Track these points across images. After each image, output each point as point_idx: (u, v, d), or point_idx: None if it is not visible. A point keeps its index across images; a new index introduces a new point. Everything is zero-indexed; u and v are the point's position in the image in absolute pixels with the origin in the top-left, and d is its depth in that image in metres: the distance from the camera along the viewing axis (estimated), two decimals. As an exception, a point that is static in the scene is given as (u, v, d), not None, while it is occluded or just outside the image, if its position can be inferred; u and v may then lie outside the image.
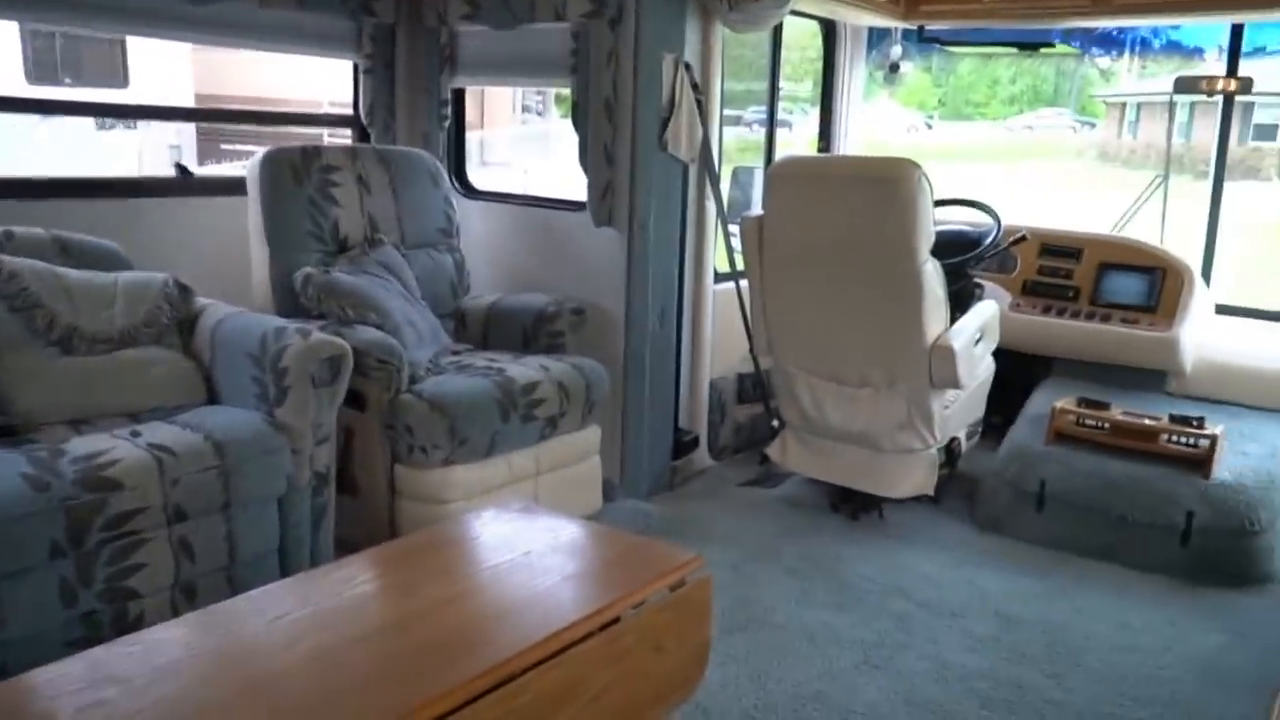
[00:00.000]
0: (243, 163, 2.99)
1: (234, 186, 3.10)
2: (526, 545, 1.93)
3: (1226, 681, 2.47)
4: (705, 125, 3.38)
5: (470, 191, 3.79)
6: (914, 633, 2.65)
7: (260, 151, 2.95)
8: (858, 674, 2.45)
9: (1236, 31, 3.79)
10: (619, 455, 3.36)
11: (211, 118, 4.59)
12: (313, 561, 2.42)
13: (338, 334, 2.58)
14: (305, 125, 3.63)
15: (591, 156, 3.19)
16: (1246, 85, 3.76)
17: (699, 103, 3.32)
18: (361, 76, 3.51)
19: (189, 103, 7.33)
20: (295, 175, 2.99)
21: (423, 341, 2.95)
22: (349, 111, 3.65)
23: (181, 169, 3.17)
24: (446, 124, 3.62)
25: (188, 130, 8.08)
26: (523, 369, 2.91)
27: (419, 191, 3.31)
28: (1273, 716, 0.85)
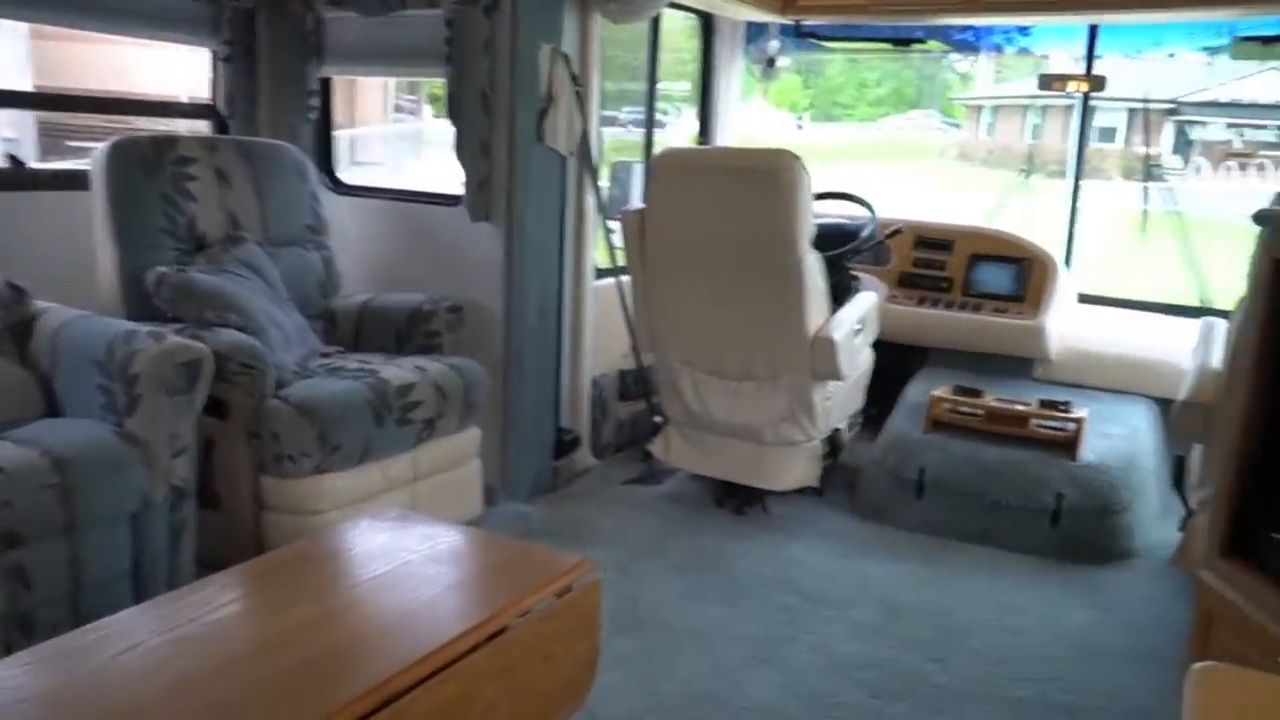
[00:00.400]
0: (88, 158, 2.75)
1: (77, 180, 2.84)
2: (404, 555, 1.83)
3: (1098, 654, 2.56)
4: (584, 117, 3.31)
5: (340, 186, 3.62)
6: (801, 625, 2.65)
7: (105, 142, 2.73)
8: (747, 670, 2.43)
9: (1093, 33, 3.96)
10: (500, 458, 3.26)
11: (46, 105, 4.20)
12: (170, 584, 2.24)
13: (196, 337, 2.40)
14: (157, 116, 3.37)
15: (467, 149, 3.08)
16: (1100, 83, 3.93)
17: (578, 94, 3.25)
18: (220, 65, 3.30)
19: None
20: (146, 168, 2.77)
21: (289, 344, 2.78)
22: (208, 102, 3.43)
23: (14, 160, 2.90)
24: (313, 116, 3.44)
25: (27, 123, 7.49)
26: (397, 370, 2.78)
27: (284, 186, 3.13)
28: (1185, 691, 0.84)
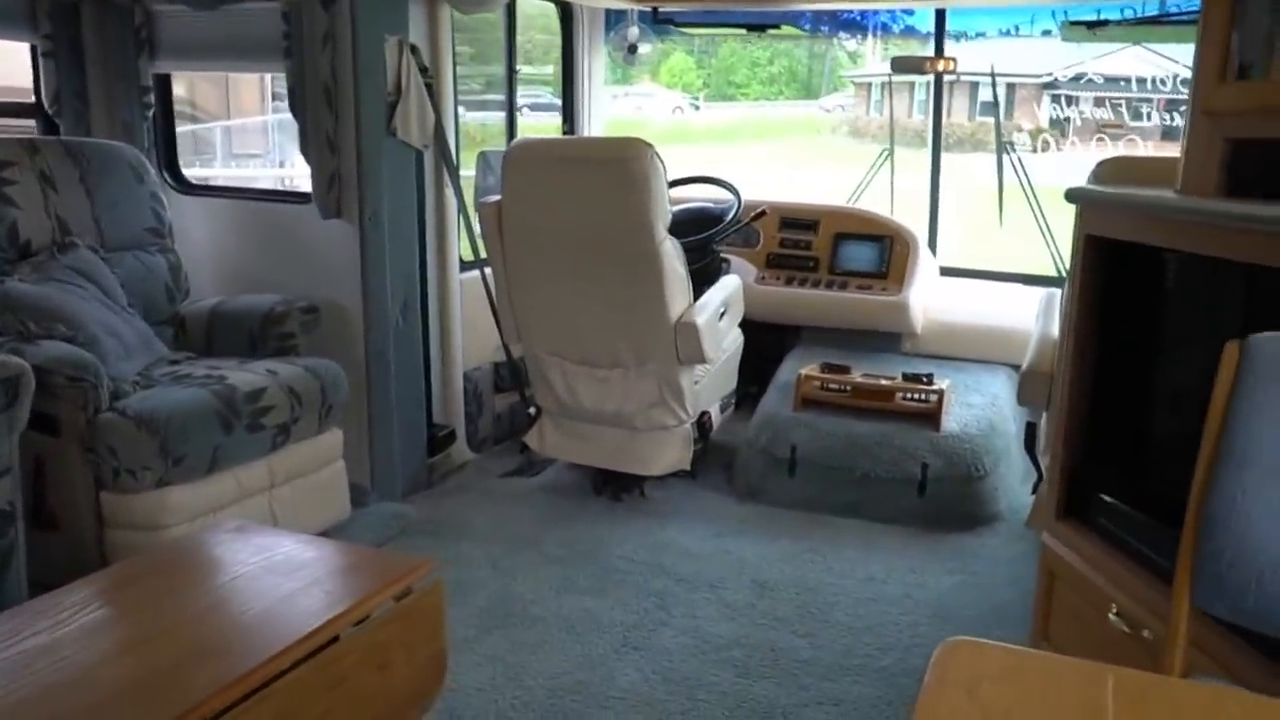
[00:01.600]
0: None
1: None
2: (236, 569, 1.78)
3: (957, 618, 2.64)
4: (438, 109, 3.25)
5: (185, 186, 3.48)
6: (673, 609, 2.67)
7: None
8: (617, 658, 2.44)
9: (940, 17, 4.06)
10: (369, 458, 3.20)
11: None
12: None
13: (16, 351, 2.28)
14: (-26, 117, 3.19)
15: (313, 145, 2.99)
16: (951, 65, 4.03)
17: (429, 86, 3.19)
18: (41, 60, 3.13)
19: None
20: (-43, 175, 2.62)
21: (129, 353, 2.67)
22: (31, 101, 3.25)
23: None
24: (151, 113, 3.29)
25: None
26: (247, 375, 2.69)
27: (118, 188, 2.99)
28: (930, 663, 0.87)
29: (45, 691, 1.37)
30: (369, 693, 1.67)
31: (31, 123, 3.27)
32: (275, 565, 1.80)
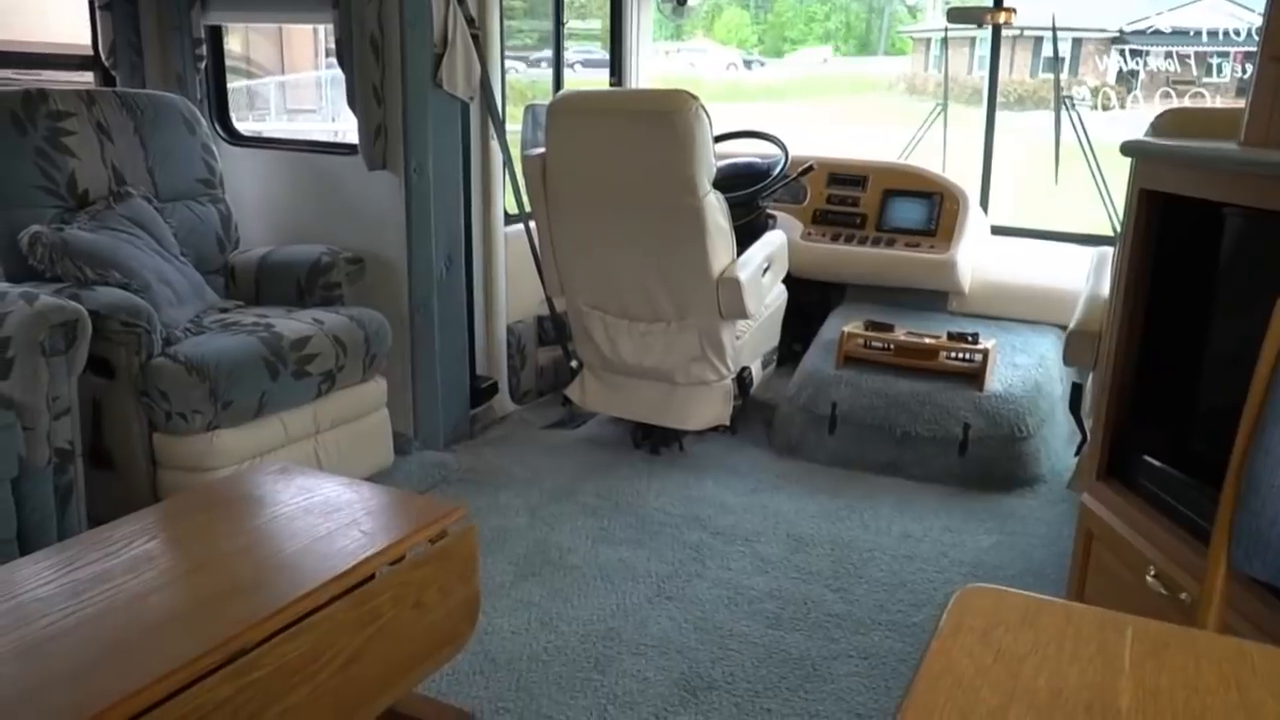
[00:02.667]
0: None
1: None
2: (276, 509, 1.83)
3: (992, 578, 2.62)
4: (484, 61, 3.25)
5: (235, 138, 3.53)
6: (708, 561, 2.69)
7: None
8: (651, 607, 2.47)
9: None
10: (412, 407, 3.25)
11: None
12: (61, 546, 2.22)
13: (74, 297, 2.35)
14: (33, 68, 3.24)
15: (360, 97, 3.01)
16: (1010, 17, 3.91)
17: (475, 38, 3.18)
18: (98, 12, 3.18)
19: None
20: (17, 124, 2.68)
21: (181, 300, 2.74)
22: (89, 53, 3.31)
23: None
24: (203, 65, 3.34)
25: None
26: (294, 324, 2.74)
27: (171, 139, 3.05)
28: (948, 607, 0.87)
29: (95, 617, 1.43)
30: (404, 630, 1.71)
31: (89, 76, 3.33)
32: (314, 506, 1.84)
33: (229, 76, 3.71)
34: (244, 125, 3.88)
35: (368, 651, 1.63)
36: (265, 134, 3.99)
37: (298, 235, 3.28)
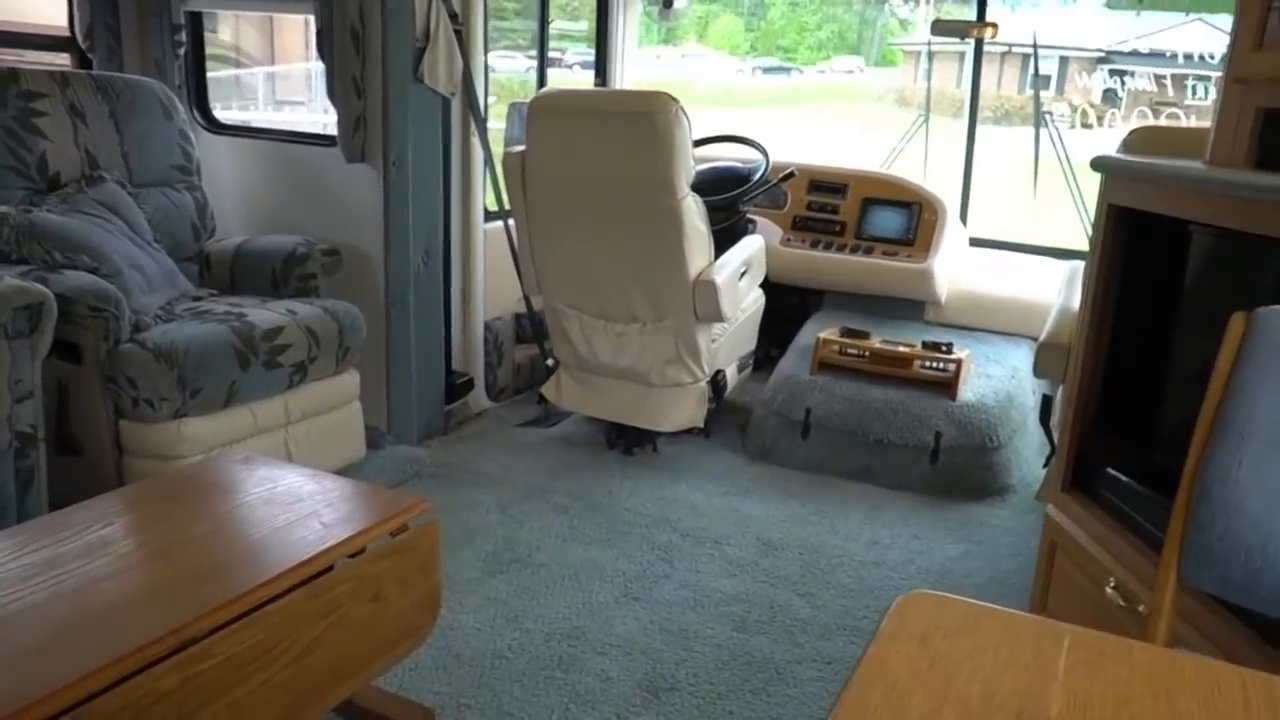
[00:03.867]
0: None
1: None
2: (237, 498, 1.82)
3: (959, 586, 2.63)
4: (467, 57, 3.24)
5: (214, 126, 3.51)
6: (676, 563, 2.70)
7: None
8: (617, 607, 2.47)
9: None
10: (385, 401, 3.24)
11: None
12: (18, 531, 2.20)
13: (41, 280, 2.33)
14: (6, 46, 3.20)
15: (340, 88, 3.00)
16: (993, 31, 3.93)
17: (458, 33, 3.18)
18: (76, -7, 3.17)
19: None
20: (-13, 104, 2.66)
21: (153, 287, 2.72)
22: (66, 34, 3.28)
23: None
24: (183, 51, 3.32)
25: None
26: (266, 314, 2.73)
27: (147, 124, 3.03)
28: (889, 613, 0.88)
29: (42, 602, 1.42)
30: (361, 622, 1.70)
31: (65, 58, 3.30)
32: (276, 496, 1.83)
33: (215, 65, 3.69)
34: (230, 114, 3.87)
35: (324, 643, 1.62)
36: (251, 124, 3.97)
37: (275, 225, 3.27)
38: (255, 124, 4.06)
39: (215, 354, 2.53)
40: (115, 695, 1.27)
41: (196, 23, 3.43)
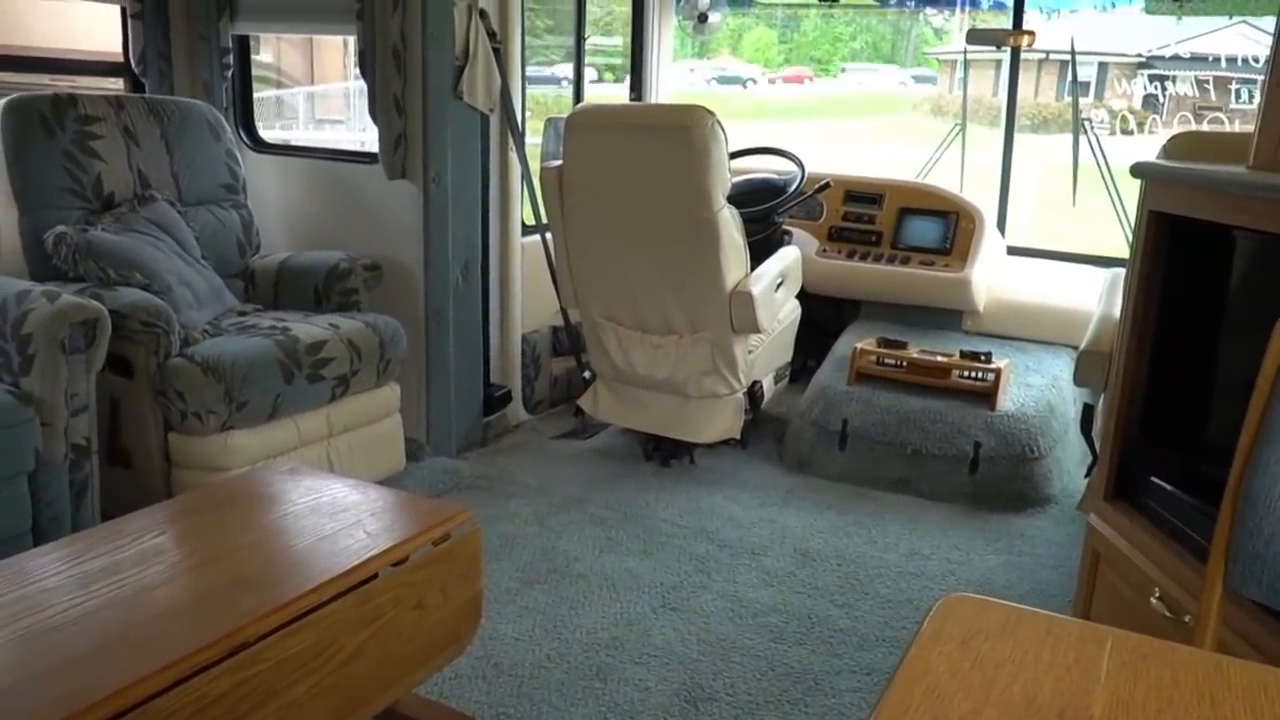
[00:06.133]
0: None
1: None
2: (283, 508, 1.85)
3: (999, 596, 2.57)
4: (505, 74, 3.29)
5: (260, 145, 3.59)
6: (714, 574, 2.70)
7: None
8: (655, 617, 2.48)
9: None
10: (425, 413, 3.28)
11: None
12: (73, 541, 2.26)
13: (96, 296, 2.40)
14: (67, 74, 3.32)
15: (381, 107, 3.06)
16: (1029, 40, 3.92)
17: (496, 51, 3.23)
18: (130, 21, 3.25)
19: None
20: (46, 126, 2.75)
21: (201, 303, 2.78)
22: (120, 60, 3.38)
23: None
24: (230, 73, 3.40)
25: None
26: (310, 328, 2.78)
27: (196, 145, 3.11)
28: (929, 615, 0.89)
29: (100, 607, 1.46)
30: (405, 630, 1.73)
31: (119, 83, 3.41)
32: (321, 506, 1.87)
33: (257, 86, 3.78)
34: (272, 133, 3.95)
35: (368, 650, 1.65)
36: (292, 142, 4.06)
37: (317, 242, 3.33)
38: (296, 142, 4.14)
39: (260, 367, 2.58)
40: (173, 696, 1.31)
41: (243, 45, 3.52)
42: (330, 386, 2.77)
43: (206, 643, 1.39)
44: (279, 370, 2.62)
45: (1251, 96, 7.62)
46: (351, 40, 3.06)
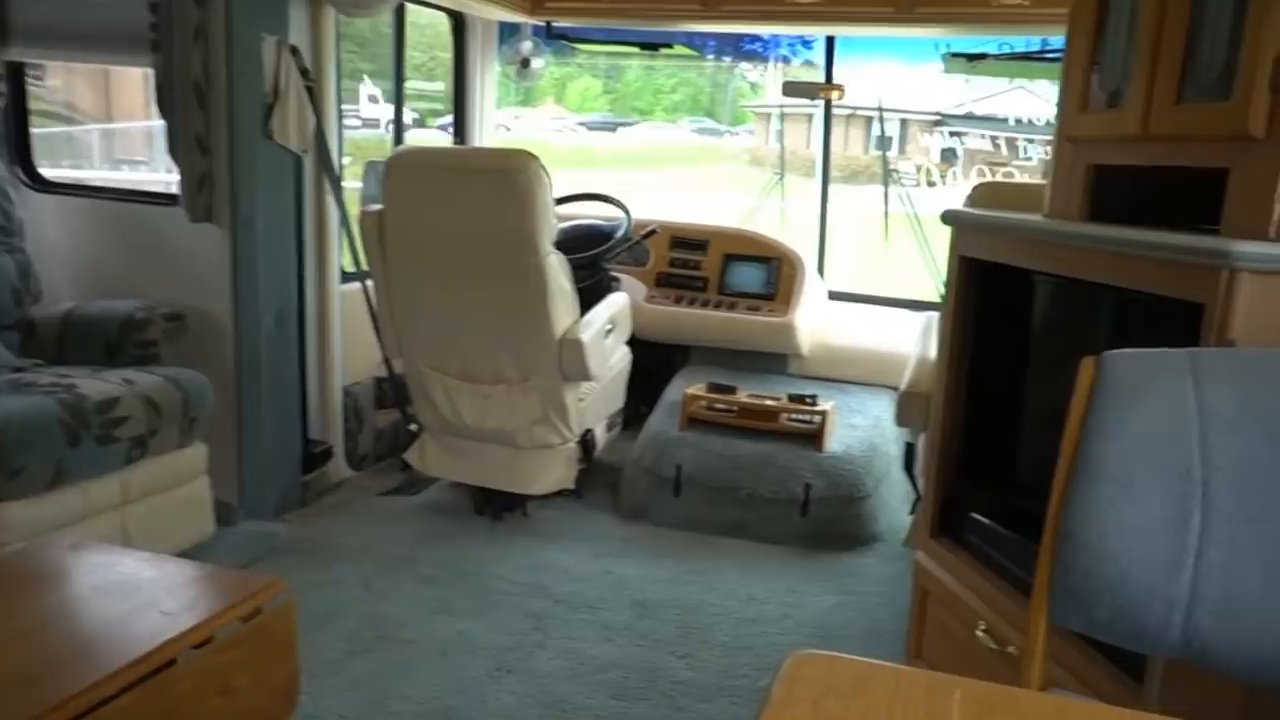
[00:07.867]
0: None
1: None
2: (63, 590, 1.65)
3: (835, 637, 2.64)
4: (319, 114, 3.14)
5: (41, 184, 3.27)
6: (551, 631, 2.61)
7: None
8: (490, 681, 2.36)
9: (830, 44, 4.14)
10: (237, 474, 3.04)
11: None
12: None
13: None
14: None
15: (183, 146, 2.84)
16: (840, 92, 4.11)
17: (310, 90, 3.08)
18: (-116, 44, 2.92)
19: None
20: None
21: (-33, 359, 2.48)
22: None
23: None
24: (2, 104, 3.09)
25: None
26: (99, 384, 2.52)
27: (-39, 182, 2.80)
28: (778, 675, 0.84)
29: None
30: (211, 719, 1.56)
31: None
32: (109, 585, 1.67)
33: (42, 120, 3.46)
34: (61, 173, 3.62)
35: (165, 747, 1.47)
36: (84, 182, 3.72)
37: (111, 289, 3.05)
38: (89, 182, 3.81)
39: (38, 429, 2.31)
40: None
41: (17, 74, 3.20)
42: (125, 449, 2.51)
43: (-40, 758, 1.19)
44: (61, 432, 2.35)
45: (1030, 154, 8.35)
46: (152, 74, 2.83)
